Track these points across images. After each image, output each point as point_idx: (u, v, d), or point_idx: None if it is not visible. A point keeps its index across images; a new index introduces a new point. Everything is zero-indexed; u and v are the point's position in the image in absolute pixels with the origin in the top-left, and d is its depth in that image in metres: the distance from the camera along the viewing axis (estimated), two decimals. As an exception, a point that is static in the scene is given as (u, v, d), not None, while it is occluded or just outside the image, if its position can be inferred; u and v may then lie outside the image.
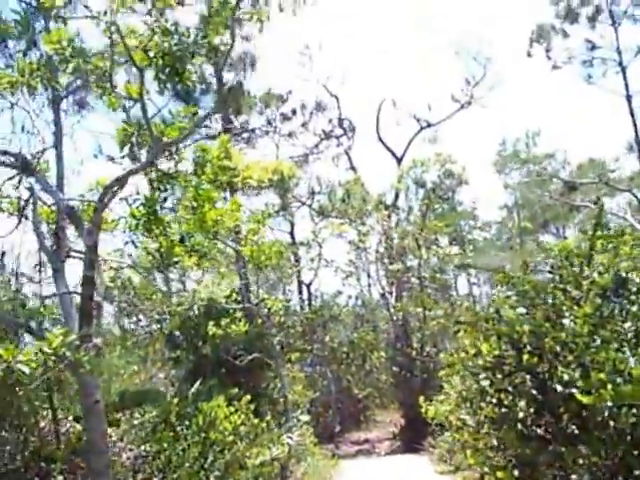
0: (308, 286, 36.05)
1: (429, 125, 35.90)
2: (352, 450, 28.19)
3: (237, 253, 13.00)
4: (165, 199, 8.70)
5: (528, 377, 7.71)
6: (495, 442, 8.31)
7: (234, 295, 17.45)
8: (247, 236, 10.65)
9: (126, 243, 8.71)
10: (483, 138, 68.17)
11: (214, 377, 14.25)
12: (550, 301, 7.68)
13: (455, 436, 9.22)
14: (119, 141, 8.57)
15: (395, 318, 30.22)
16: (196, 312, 16.08)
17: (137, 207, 8.44)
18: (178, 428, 10.73)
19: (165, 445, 10.32)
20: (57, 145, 8.25)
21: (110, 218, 9.32)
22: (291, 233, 36.35)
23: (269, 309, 18.63)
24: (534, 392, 7.62)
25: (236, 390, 12.97)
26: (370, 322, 37.62)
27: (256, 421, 12.13)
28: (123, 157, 8.18)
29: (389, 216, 29.67)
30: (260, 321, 16.48)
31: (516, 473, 7.36)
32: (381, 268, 32.96)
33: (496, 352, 7.60)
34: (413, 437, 25.47)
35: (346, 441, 29.99)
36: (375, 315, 39.19)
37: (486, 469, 8.34)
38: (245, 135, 28.43)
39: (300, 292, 37.21)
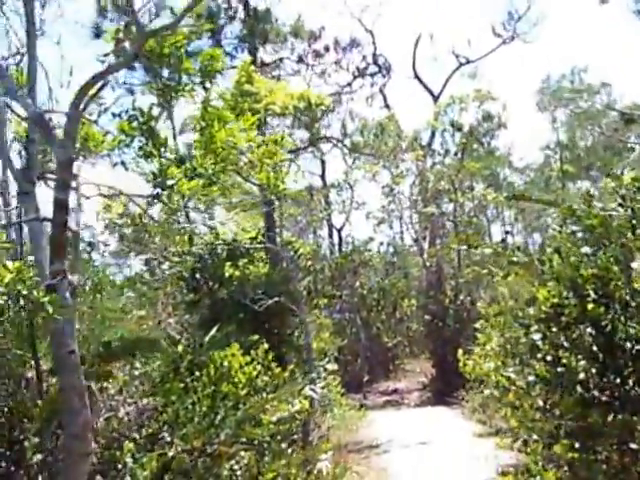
0: (339, 230, 35.03)
1: (468, 62, 34.22)
2: (380, 400, 27.23)
3: (246, 180, 11.70)
4: (169, 115, 7.46)
5: (589, 331, 6.50)
6: (541, 402, 7.13)
7: (259, 237, 16.28)
8: (261, 159, 9.34)
9: (115, 164, 7.49)
10: (525, 76, 66.12)
11: (232, 323, 13.13)
12: (620, 241, 6.43)
13: (499, 396, 8.03)
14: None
15: (428, 264, 29.01)
16: (210, 252, 14.89)
17: (129, 121, 7.24)
18: (189, 379, 9.63)
19: (173, 398, 9.24)
20: (29, 44, 6.99)
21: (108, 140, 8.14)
22: (322, 176, 35.24)
23: (296, 252, 17.50)
24: (595, 349, 6.41)
25: (256, 337, 11.82)
26: (401, 269, 36.59)
27: (277, 370, 10.99)
28: (107, 55, 6.92)
29: (424, 156, 28.22)
30: (285, 264, 15.31)
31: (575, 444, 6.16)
32: (414, 213, 31.79)
33: (555, 300, 6.36)
34: (443, 388, 24.48)
35: (374, 391, 29.04)
36: (407, 262, 38.19)
37: (535, 436, 7.16)
38: (275, 73, 27.08)
39: (330, 236, 36.27)
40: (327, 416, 16.41)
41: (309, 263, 18.72)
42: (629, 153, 32.03)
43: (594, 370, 6.21)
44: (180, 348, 10.42)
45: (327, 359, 17.16)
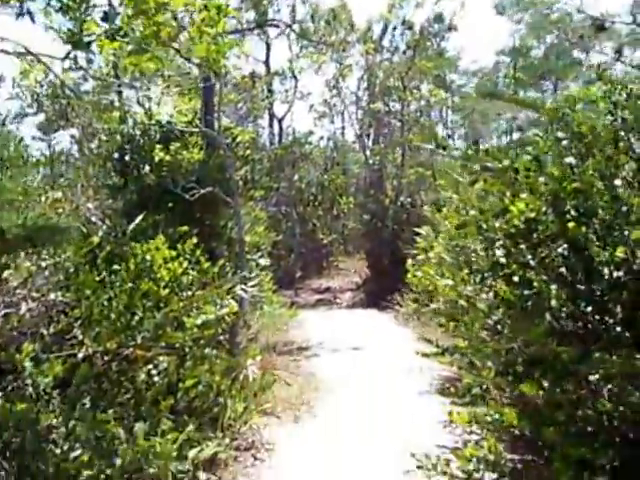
0: (280, 121, 33.89)
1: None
2: (312, 298, 26.70)
3: (184, 58, 10.47)
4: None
5: (560, 252, 5.68)
6: (492, 322, 6.36)
7: (196, 121, 15.06)
8: (201, 27, 8.12)
9: (20, 15, 6.23)
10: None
11: (160, 212, 12.10)
12: (606, 153, 5.55)
13: (455, 315, 7.23)
14: None
15: (371, 162, 28.13)
16: (142, 132, 13.66)
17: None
18: (106, 273, 8.61)
19: (88, 293, 8.24)
20: None
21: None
22: (266, 62, 33.89)
23: (234, 139, 16.39)
24: (568, 273, 5.60)
25: (186, 228, 10.79)
26: (341, 165, 35.77)
27: (207, 265, 10.02)
28: None
29: (375, 50, 27.02)
30: (222, 152, 14.20)
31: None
32: (359, 109, 30.83)
33: (531, 215, 5.49)
34: (377, 291, 23.98)
35: (306, 288, 28.53)
36: (347, 159, 37.44)
37: (489, 363, 6.40)
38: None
39: (271, 126, 35.19)
40: (257, 314, 15.69)
41: (247, 152, 17.62)
42: (586, 63, 31.05)
43: (564, 296, 5.40)
44: (98, 237, 9.43)
45: (260, 254, 16.35)
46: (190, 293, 9.01)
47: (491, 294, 6.12)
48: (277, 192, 27.91)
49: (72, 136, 16.27)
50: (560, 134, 5.49)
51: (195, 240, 9.91)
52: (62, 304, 8.45)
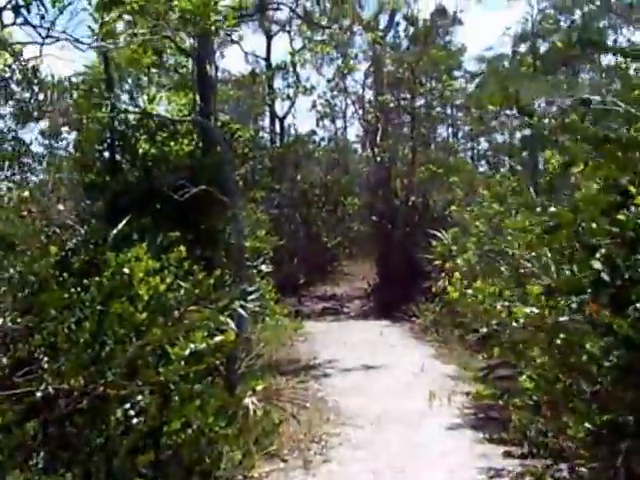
0: (282, 120, 32.36)
1: None
2: (317, 307, 24.90)
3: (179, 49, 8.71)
4: None
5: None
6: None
7: (192, 115, 13.41)
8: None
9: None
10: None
11: (148, 214, 10.41)
12: None
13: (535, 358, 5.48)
14: None
15: (379, 159, 26.27)
16: (133, 126, 11.90)
17: None
18: (79, 289, 6.87)
19: (53, 313, 6.54)
20: None
21: None
22: (267, 59, 32.54)
23: (232, 135, 14.77)
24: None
25: (177, 234, 9.05)
26: (342, 165, 34.34)
27: (202, 276, 8.24)
28: None
29: (383, 37, 25.30)
30: (219, 148, 12.57)
31: None
32: (366, 103, 29.33)
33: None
34: (389, 299, 22.20)
35: (311, 295, 26.79)
36: (350, 159, 36.07)
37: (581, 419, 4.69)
38: None
39: (272, 124, 33.74)
40: (258, 327, 14.00)
41: (247, 150, 16.03)
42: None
43: None
44: (71, 244, 7.80)
45: (262, 259, 14.72)
46: (177, 314, 7.24)
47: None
48: (279, 193, 26.30)
49: (44, 130, 14.60)
50: None
51: (188, 247, 8.18)
52: (20, 329, 6.74)
